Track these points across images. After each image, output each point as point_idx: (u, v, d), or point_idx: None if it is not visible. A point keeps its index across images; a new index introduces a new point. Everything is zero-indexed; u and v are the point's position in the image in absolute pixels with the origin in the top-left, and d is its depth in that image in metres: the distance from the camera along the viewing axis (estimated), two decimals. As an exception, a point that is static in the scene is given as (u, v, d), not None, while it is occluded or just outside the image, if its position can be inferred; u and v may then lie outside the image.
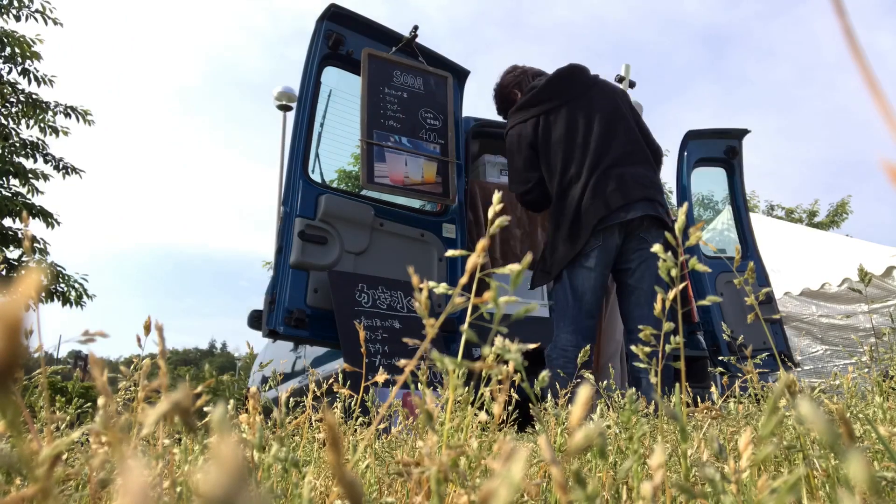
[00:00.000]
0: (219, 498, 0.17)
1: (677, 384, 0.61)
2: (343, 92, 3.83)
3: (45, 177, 8.13)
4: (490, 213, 0.55)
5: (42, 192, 8.08)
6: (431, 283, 0.54)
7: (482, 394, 0.84)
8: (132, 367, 0.82)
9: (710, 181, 5.13)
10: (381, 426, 1.02)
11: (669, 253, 0.60)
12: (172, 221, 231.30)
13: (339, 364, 3.81)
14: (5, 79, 8.02)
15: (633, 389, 0.82)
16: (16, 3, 7.85)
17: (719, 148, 4.89)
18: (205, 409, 0.67)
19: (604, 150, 2.81)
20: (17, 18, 7.91)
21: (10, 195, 7.76)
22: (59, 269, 7.72)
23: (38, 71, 8.13)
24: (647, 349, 0.71)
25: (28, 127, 8.14)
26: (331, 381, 1.26)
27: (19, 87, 8.10)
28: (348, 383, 1.22)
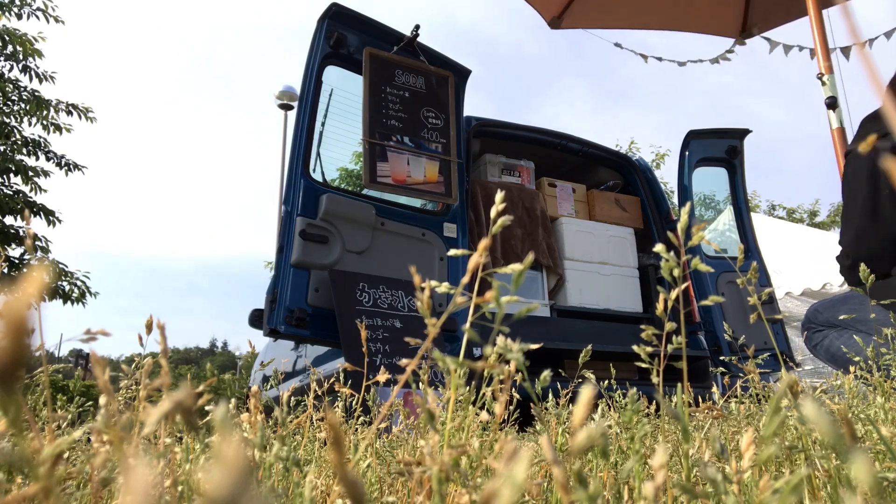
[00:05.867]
0: (223, 498, 0.17)
1: (679, 384, 0.61)
2: (344, 91, 3.83)
3: (46, 174, 8.15)
4: (492, 213, 0.55)
5: (45, 191, 8.10)
6: (433, 283, 0.54)
7: (483, 393, 0.84)
8: (134, 365, 0.82)
9: (711, 181, 5.13)
10: (383, 425, 1.02)
11: (672, 253, 0.60)
12: (173, 220, 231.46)
13: (340, 363, 3.81)
14: (7, 76, 8.03)
15: (634, 389, 0.81)
16: (17, 2, 7.86)
17: (720, 148, 4.90)
18: (206, 408, 0.67)
19: None
20: (19, 16, 7.93)
21: (11, 193, 7.77)
22: (61, 266, 7.73)
23: (38, 68, 8.14)
24: (649, 349, 0.71)
25: (31, 125, 8.16)
26: (332, 380, 1.26)
27: (21, 84, 8.12)
28: (349, 382, 1.22)
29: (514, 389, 0.93)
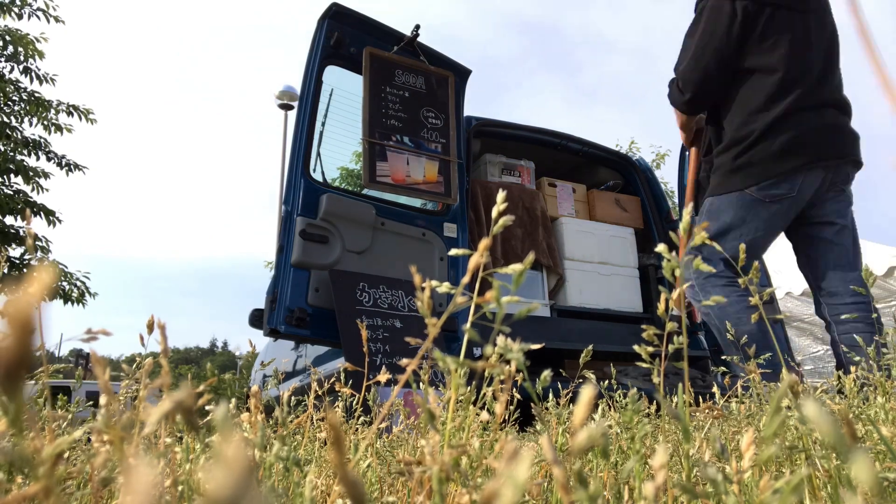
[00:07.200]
0: (224, 498, 0.17)
1: (680, 384, 0.61)
2: (345, 91, 3.83)
3: (46, 175, 8.14)
4: (494, 213, 0.55)
5: (47, 190, 8.10)
6: (434, 282, 0.54)
7: (484, 393, 0.84)
8: (134, 365, 0.82)
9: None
10: (383, 425, 1.02)
11: (674, 252, 0.60)
12: (173, 220, 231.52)
13: (340, 363, 3.81)
14: (7, 77, 8.02)
15: (635, 389, 0.81)
16: (18, 2, 7.85)
17: (721, 148, 4.89)
18: (207, 407, 0.67)
19: (826, 83, 2.51)
20: (20, 17, 7.92)
21: (11, 193, 7.77)
22: (61, 266, 7.73)
23: (39, 70, 8.14)
24: (650, 349, 0.71)
25: (32, 125, 8.15)
26: (332, 380, 1.26)
27: (21, 85, 8.11)
28: (350, 382, 1.22)
29: (514, 389, 0.93)
